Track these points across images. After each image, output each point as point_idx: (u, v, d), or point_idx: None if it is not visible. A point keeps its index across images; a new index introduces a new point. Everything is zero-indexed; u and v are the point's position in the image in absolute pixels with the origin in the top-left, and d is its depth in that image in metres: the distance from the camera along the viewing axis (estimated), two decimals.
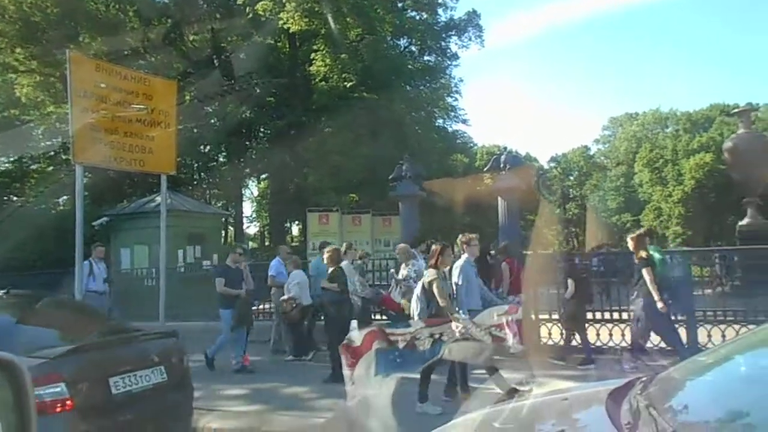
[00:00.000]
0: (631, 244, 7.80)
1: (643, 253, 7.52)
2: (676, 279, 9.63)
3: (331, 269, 7.92)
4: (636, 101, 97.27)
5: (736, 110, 16.25)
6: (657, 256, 7.76)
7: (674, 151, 46.09)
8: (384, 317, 9.55)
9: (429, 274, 6.15)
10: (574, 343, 8.42)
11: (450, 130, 32.14)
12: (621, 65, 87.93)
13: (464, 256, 6.67)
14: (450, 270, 6.49)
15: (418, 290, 6.25)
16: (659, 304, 7.31)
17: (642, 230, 8.30)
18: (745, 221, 14.42)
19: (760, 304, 8.48)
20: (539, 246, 8.87)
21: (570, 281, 8.14)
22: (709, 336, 8.14)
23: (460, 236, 6.99)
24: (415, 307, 6.17)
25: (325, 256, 8.14)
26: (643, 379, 2.38)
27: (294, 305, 8.77)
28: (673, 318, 8.82)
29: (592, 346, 8.44)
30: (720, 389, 2.16)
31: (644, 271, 7.33)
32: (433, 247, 6.51)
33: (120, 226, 15.66)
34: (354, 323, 7.66)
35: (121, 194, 20.68)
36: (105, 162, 8.47)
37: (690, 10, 76.33)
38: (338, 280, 7.79)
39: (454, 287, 6.38)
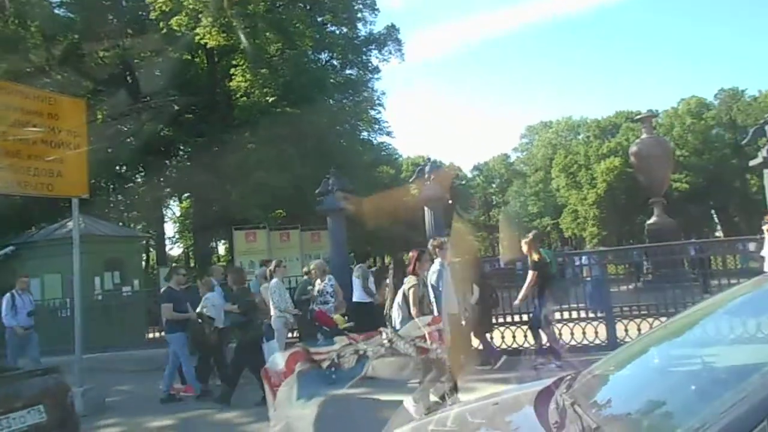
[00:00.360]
0: (525, 248, 8.15)
1: (535, 256, 7.92)
2: (593, 278, 10.14)
3: (234, 290, 7.60)
4: (550, 110, 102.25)
5: (639, 117, 17.38)
6: (548, 258, 8.24)
7: (586, 156, 48.69)
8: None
9: (408, 281, 6.04)
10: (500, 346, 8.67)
11: (375, 142, 32.44)
12: (535, 76, 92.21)
13: (437, 261, 6.65)
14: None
15: (399, 298, 6.10)
16: (516, 302, 8.21)
17: (532, 234, 8.75)
18: (652, 220, 15.40)
19: (670, 297, 9.08)
20: (465, 253, 9.06)
21: (475, 287, 8.40)
22: (626, 330, 8.59)
23: (432, 240, 6.94)
24: (396, 316, 6.03)
25: (228, 277, 7.80)
26: (568, 377, 2.45)
27: (211, 329, 8.48)
28: (593, 315, 9.29)
29: (520, 347, 8.74)
30: (638, 382, 2.26)
31: (530, 273, 7.82)
32: (410, 253, 6.41)
33: (28, 255, 14.64)
34: (273, 345, 7.47)
35: (29, 221, 19.32)
36: (6, 187, 7.86)
37: (592, 24, 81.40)
38: (239, 301, 7.48)
39: (432, 292, 6.32)
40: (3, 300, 9.29)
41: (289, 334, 9.63)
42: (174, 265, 35.64)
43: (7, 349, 9.19)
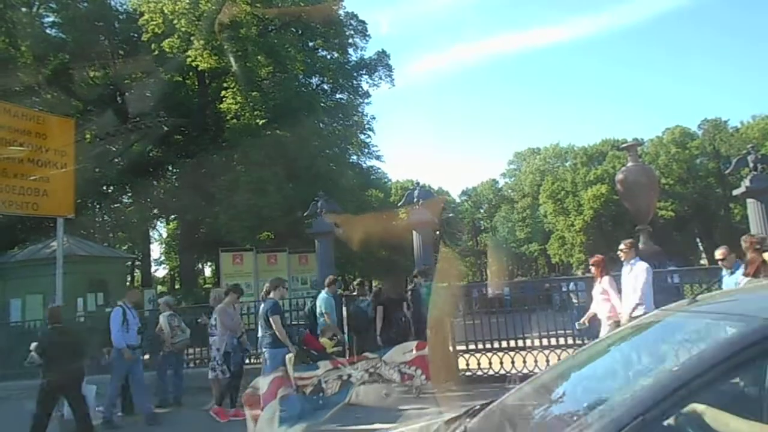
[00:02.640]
0: None
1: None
2: (581, 304, 10.14)
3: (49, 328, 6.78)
4: (538, 137, 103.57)
5: (624, 145, 17.55)
6: (424, 290, 8.75)
7: (573, 183, 49.20)
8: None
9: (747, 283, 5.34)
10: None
11: (364, 166, 32.56)
12: (524, 103, 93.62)
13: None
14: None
15: None
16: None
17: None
18: (638, 247, 15.49)
19: None
20: (451, 278, 9.10)
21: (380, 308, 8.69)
22: None
23: (746, 237, 6.20)
24: None
25: (48, 315, 6.98)
26: (476, 408, 2.42)
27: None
28: (580, 342, 9.27)
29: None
30: (538, 413, 2.21)
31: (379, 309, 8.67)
32: (750, 255, 5.69)
33: (10, 275, 14.39)
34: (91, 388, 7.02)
35: (12, 240, 19.06)
36: None
37: (580, 53, 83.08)
38: (39, 340, 6.72)
39: None
40: (112, 315, 8.19)
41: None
42: (157, 288, 35.26)
43: (113, 369, 8.20)
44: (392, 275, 9.74)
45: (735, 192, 12.16)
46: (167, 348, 9.02)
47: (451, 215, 53.96)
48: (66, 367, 6.44)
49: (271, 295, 7.89)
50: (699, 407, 1.70)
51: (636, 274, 6.80)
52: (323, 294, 9.38)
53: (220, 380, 8.19)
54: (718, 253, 6.68)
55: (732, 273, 6.68)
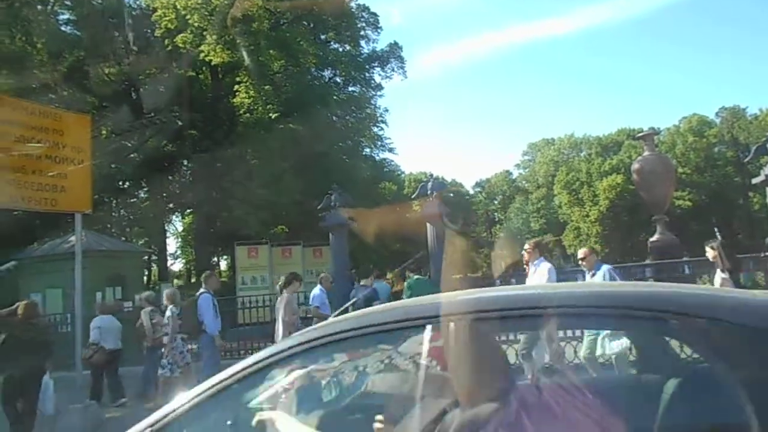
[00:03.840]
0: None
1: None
2: None
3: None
4: (552, 127, 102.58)
5: (640, 134, 17.35)
6: (405, 283, 9.12)
7: (588, 173, 48.78)
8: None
9: None
10: None
11: (377, 159, 32.55)
12: (538, 94, 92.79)
13: None
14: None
15: None
16: None
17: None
18: (655, 237, 15.33)
19: None
20: (466, 269, 9.13)
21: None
22: None
23: None
24: None
25: (20, 311, 6.84)
26: None
27: (95, 350, 8.70)
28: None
29: None
30: None
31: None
32: None
33: (30, 270, 14.62)
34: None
35: (32, 236, 19.35)
36: (10, 202, 7.89)
37: (595, 44, 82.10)
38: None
39: None
40: (201, 300, 8.00)
41: None
42: (174, 281, 35.60)
43: (206, 355, 8.07)
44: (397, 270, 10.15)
45: (754, 180, 11.98)
46: (148, 343, 9.23)
47: (465, 198, 53.67)
48: (27, 363, 6.43)
49: (363, 282, 9.06)
50: (273, 414, 1.80)
51: (540, 274, 6.73)
52: (383, 284, 9.61)
53: (169, 378, 7.97)
54: (580, 253, 6.70)
55: (593, 275, 6.65)
